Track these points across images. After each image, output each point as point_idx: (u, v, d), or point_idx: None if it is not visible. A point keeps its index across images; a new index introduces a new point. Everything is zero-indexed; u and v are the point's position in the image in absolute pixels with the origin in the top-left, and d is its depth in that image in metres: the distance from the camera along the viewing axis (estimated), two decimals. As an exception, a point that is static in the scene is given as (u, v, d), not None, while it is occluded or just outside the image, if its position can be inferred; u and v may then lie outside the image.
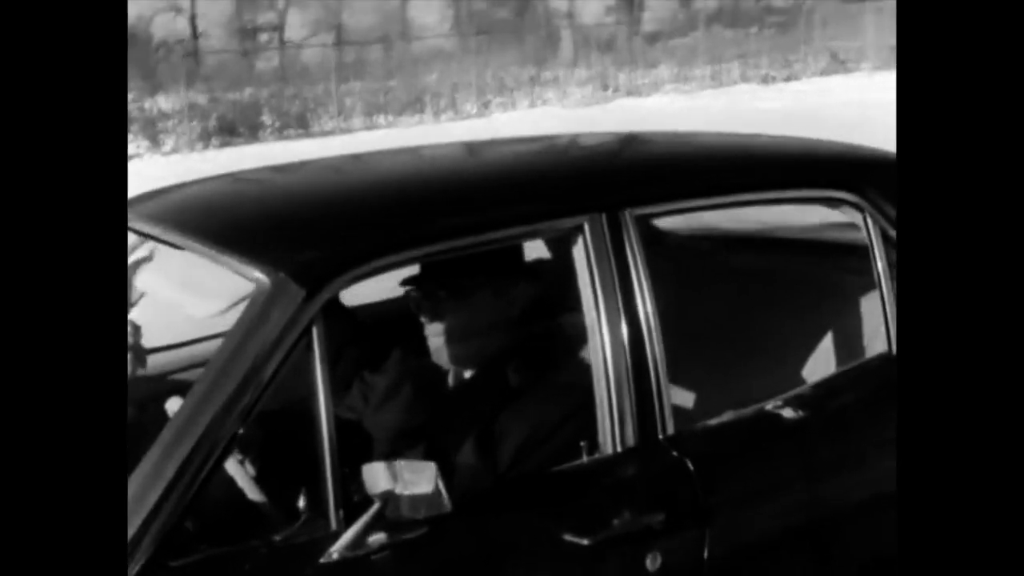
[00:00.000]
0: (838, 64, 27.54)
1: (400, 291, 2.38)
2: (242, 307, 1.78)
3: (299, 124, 18.40)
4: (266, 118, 18.31)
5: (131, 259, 2.10)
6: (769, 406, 2.16)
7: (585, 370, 2.04)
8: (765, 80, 26.15)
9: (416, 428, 2.12)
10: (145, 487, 1.62)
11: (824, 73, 26.90)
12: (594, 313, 1.99)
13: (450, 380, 2.19)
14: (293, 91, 20.25)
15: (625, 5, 40.18)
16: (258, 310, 1.74)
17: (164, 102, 18.69)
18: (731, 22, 35.10)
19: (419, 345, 2.19)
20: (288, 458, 1.88)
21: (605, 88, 25.37)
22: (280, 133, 17.76)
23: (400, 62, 26.31)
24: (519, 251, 2.16)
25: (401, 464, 1.65)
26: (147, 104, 18.46)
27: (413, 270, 2.12)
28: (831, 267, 2.78)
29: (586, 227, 2.00)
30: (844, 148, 2.49)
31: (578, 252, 2.01)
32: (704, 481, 1.97)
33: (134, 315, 2.09)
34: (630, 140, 2.63)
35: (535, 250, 2.40)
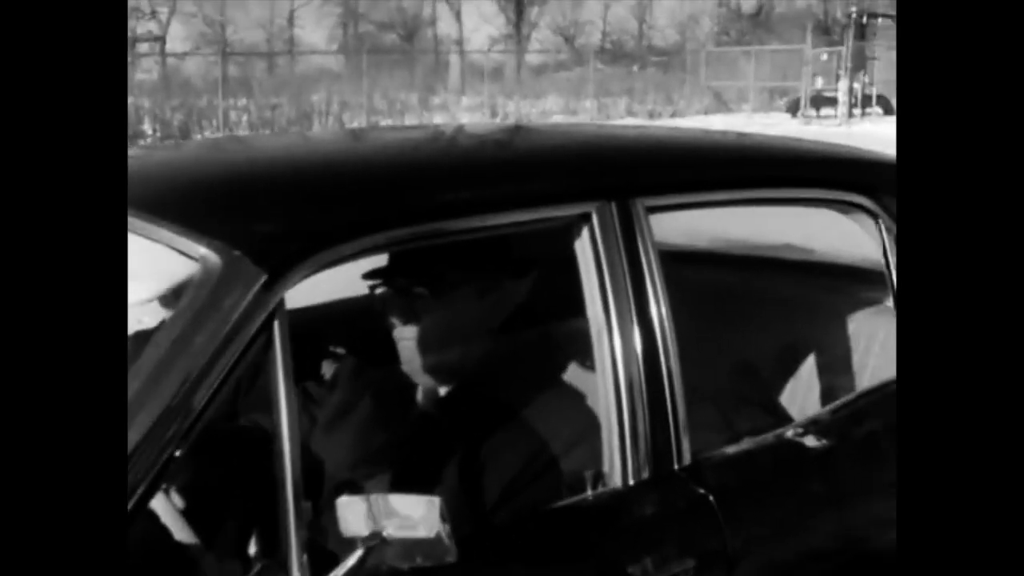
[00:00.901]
0: (720, 103, 28.08)
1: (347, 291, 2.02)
2: (179, 295, 1.39)
3: (182, 134, 17.70)
4: (147, 127, 17.54)
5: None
6: (790, 433, 1.87)
7: (588, 386, 1.71)
8: (651, 115, 26.44)
9: (376, 454, 1.75)
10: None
11: (707, 111, 27.38)
12: (601, 318, 1.66)
13: (419, 396, 1.82)
14: (176, 102, 19.50)
15: (512, 36, 40.43)
16: (203, 299, 1.35)
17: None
18: (613, 60, 35.74)
19: (380, 352, 1.82)
20: (229, 488, 1.49)
21: (494, 115, 25.27)
22: (162, 143, 17.01)
23: (286, 79, 25.77)
24: (510, 244, 1.81)
25: (390, 499, 1.28)
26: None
27: (380, 261, 1.75)
28: (815, 285, 2.55)
29: (594, 217, 1.67)
30: (859, 151, 2.24)
31: (582, 246, 1.68)
32: (730, 521, 1.66)
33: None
34: (639, 130, 2.33)
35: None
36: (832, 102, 22.49)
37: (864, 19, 23.09)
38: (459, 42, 35.64)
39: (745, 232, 2.68)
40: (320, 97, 22.94)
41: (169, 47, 29.18)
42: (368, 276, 1.77)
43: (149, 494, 1.28)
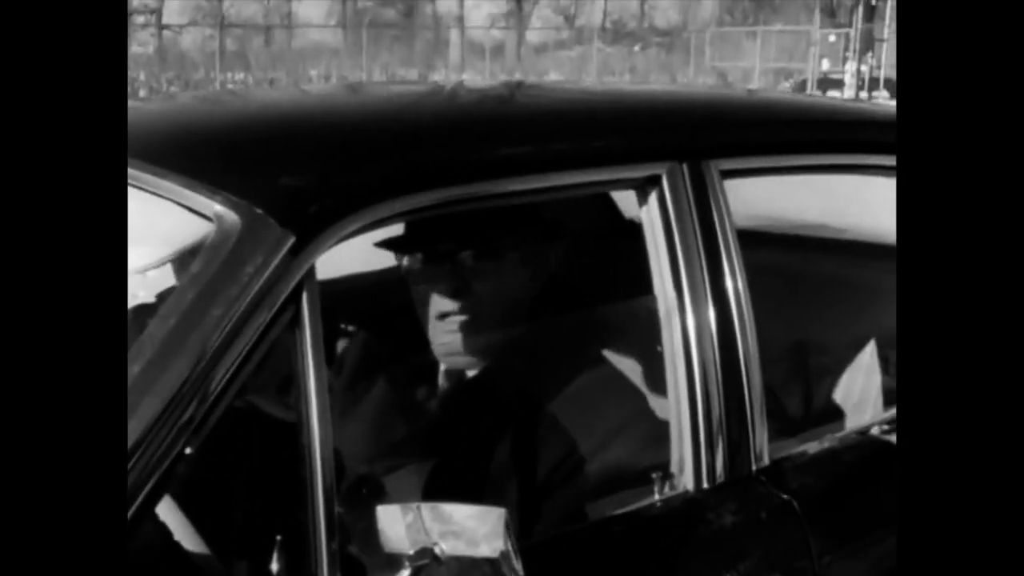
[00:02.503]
0: (726, 84, 27.79)
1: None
2: (191, 260, 1.17)
3: (177, 107, 17.43)
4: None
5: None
6: (875, 430, 1.66)
7: (655, 372, 1.50)
8: (655, 95, 26.15)
9: (395, 446, 1.52)
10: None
11: (712, 92, 27.08)
12: (672, 296, 1.45)
13: (441, 380, 1.59)
14: (172, 75, 19.24)
15: (513, 14, 40.11)
16: (219, 265, 1.13)
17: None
18: (615, 39, 35.49)
19: (399, 328, 1.59)
20: (246, 489, 1.27)
21: (495, 93, 25.01)
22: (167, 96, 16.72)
23: (283, 53, 25.54)
24: (566, 209, 1.59)
25: (443, 509, 1.07)
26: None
27: (400, 229, 1.52)
28: (876, 268, 2.34)
29: (664, 180, 1.45)
30: None
31: (650, 212, 1.46)
32: (816, 532, 1.45)
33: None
34: (709, 89, 2.10)
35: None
36: (839, 85, 22.21)
37: (873, 0, 22.82)
38: (459, 18, 35.30)
39: (800, 207, 2.45)
40: (319, 72, 22.72)
41: (166, 19, 28.79)
42: (390, 243, 1.54)
43: (156, 495, 1.06)
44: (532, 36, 38.58)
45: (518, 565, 1.05)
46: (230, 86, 19.57)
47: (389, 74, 23.57)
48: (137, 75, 19.12)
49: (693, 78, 27.69)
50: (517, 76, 26.30)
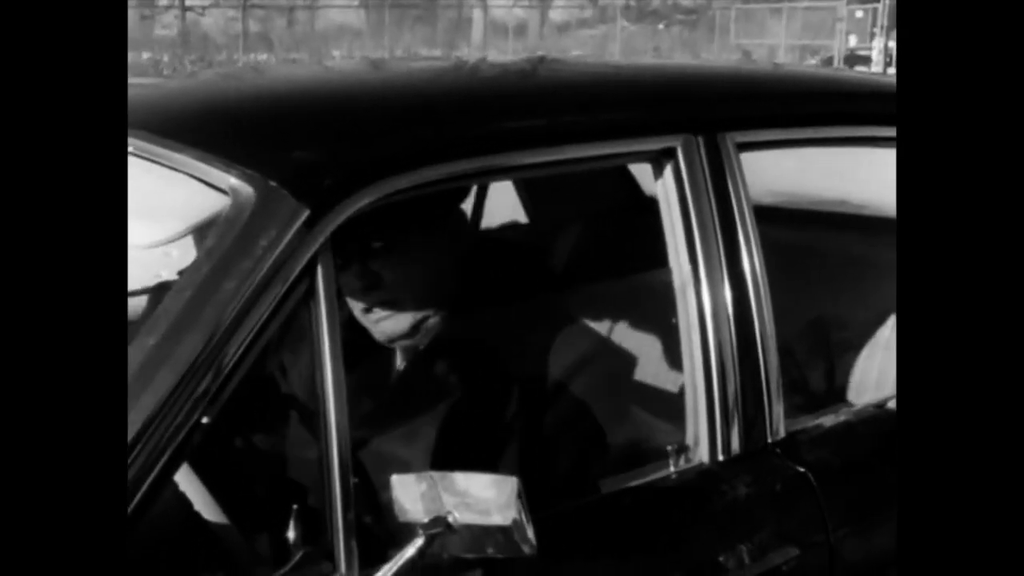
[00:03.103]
0: (750, 62, 27.52)
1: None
2: (206, 233, 1.18)
3: (201, 89, 17.47)
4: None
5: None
6: (892, 404, 1.65)
7: (671, 345, 1.51)
8: (679, 73, 25.94)
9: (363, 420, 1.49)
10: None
11: (736, 70, 26.79)
12: (687, 269, 1.44)
13: (398, 362, 1.52)
14: (195, 56, 19.31)
15: (537, -8, 39.82)
16: (234, 238, 1.14)
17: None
18: (639, 17, 35.22)
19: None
20: (263, 460, 1.29)
21: (518, 72, 24.88)
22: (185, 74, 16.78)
23: (307, 34, 25.55)
24: (580, 184, 1.59)
25: (455, 478, 1.08)
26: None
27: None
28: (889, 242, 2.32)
29: (679, 152, 1.45)
30: None
31: (665, 185, 1.46)
32: (832, 504, 1.45)
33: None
34: (725, 63, 2.09)
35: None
36: (866, 61, 21.99)
37: (900, -25, 22.53)
38: (482, -2, 35.17)
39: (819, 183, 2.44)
40: (341, 52, 22.75)
41: (189, 1, 28.84)
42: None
43: (173, 464, 1.08)
44: (555, 15, 38.39)
45: (531, 534, 1.06)
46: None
47: (411, 54, 23.54)
48: (160, 57, 19.20)
49: (717, 56, 27.47)
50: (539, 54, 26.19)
